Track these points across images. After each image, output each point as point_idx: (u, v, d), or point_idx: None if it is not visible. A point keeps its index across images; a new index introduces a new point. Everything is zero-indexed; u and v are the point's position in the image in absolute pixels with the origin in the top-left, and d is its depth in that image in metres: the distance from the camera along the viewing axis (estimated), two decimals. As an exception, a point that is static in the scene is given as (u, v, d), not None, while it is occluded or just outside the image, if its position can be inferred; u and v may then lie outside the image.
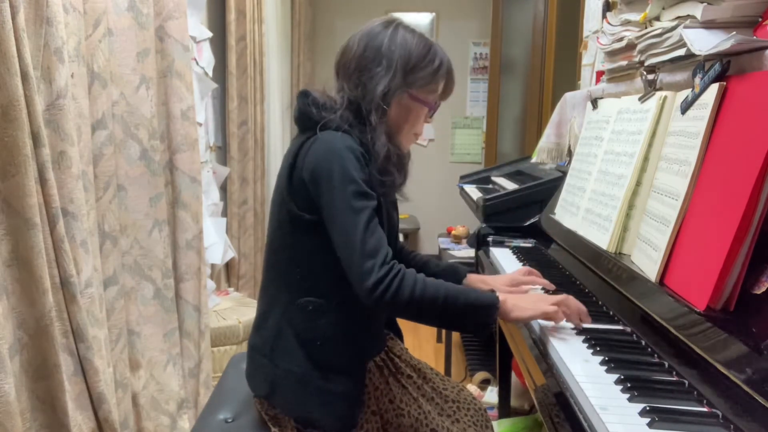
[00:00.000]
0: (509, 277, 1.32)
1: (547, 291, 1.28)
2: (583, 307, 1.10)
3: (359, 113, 1.15)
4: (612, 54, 1.63)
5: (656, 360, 0.94)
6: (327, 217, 1.08)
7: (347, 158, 1.07)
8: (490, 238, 1.87)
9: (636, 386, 0.83)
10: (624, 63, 1.54)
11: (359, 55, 1.16)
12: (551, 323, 1.11)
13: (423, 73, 1.17)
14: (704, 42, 1.04)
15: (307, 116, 1.16)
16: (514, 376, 2.17)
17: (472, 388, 2.44)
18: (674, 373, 0.89)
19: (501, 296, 1.09)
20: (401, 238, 3.89)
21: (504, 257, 1.70)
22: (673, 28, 1.14)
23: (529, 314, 1.09)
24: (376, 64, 1.15)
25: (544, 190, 2.05)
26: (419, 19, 4.61)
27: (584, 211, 1.43)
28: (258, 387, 1.21)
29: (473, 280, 1.33)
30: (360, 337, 1.19)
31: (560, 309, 1.08)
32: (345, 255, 1.06)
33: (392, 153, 1.15)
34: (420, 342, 3.27)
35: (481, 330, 1.10)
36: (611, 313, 1.16)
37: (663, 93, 1.21)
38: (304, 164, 1.11)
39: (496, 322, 1.11)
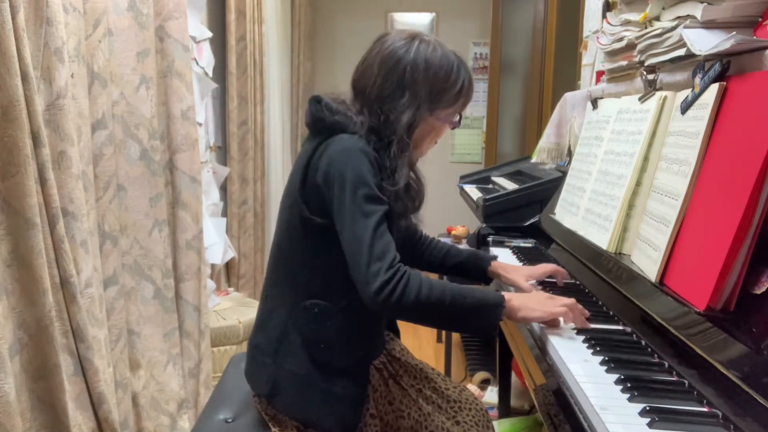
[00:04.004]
0: (528, 272, 1.33)
1: (546, 289, 1.28)
2: (586, 313, 1.09)
3: (380, 136, 1.14)
4: (612, 54, 1.63)
5: (656, 360, 0.94)
6: (337, 219, 1.08)
7: (361, 161, 1.07)
8: (490, 238, 1.86)
9: (636, 386, 0.83)
10: (624, 63, 1.54)
11: (380, 84, 1.13)
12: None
13: (447, 96, 1.16)
14: (704, 42, 1.04)
15: (321, 121, 1.15)
16: (514, 376, 2.17)
17: (472, 388, 2.43)
18: (674, 373, 0.89)
19: (507, 296, 1.08)
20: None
21: (504, 257, 1.69)
22: (673, 28, 1.14)
23: (537, 315, 1.08)
24: (398, 95, 1.13)
25: (544, 190, 2.05)
26: (419, 19, 4.61)
27: (584, 211, 1.43)
28: (259, 386, 1.20)
29: (496, 267, 1.36)
30: (364, 339, 1.19)
31: (568, 312, 1.07)
32: (352, 257, 1.05)
33: (413, 182, 1.19)
34: (420, 342, 3.27)
35: (487, 331, 1.09)
36: (611, 313, 1.16)
37: (663, 93, 1.21)
38: (318, 167, 1.10)
39: (500, 321, 1.10)
